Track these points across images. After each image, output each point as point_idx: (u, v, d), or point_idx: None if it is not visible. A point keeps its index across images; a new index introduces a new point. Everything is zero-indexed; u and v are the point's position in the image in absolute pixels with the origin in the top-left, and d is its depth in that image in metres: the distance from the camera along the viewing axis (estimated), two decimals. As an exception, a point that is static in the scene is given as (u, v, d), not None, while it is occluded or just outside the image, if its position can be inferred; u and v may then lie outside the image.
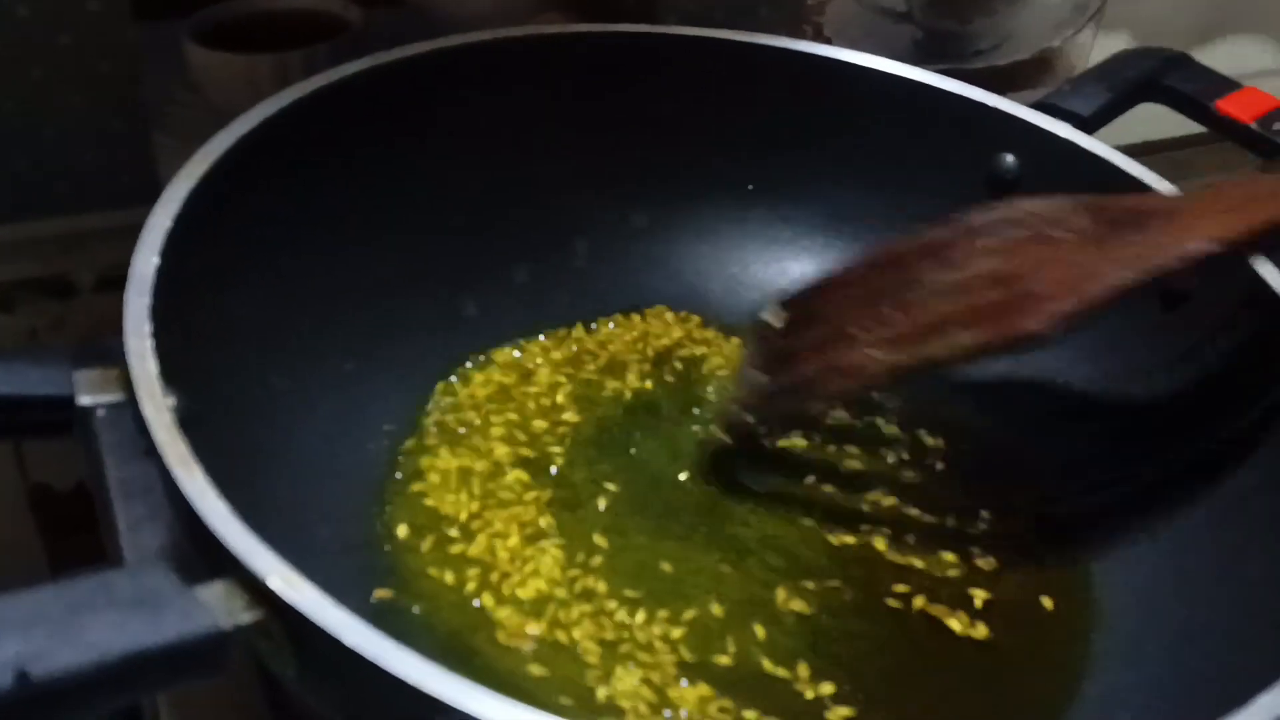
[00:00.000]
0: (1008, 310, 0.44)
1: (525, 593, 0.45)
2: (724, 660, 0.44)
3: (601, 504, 0.49)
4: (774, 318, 0.51)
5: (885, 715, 0.43)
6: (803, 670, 0.44)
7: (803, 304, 0.51)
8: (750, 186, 0.61)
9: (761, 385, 0.50)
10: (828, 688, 0.43)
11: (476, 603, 0.44)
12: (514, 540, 0.47)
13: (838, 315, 0.48)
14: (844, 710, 0.43)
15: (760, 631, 0.45)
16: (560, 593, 0.45)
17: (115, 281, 0.63)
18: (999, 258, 0.45)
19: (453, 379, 0.54)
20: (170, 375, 0.36)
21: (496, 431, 0.52)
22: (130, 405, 0.36)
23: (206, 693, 0.44)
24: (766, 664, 0.44)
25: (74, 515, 0.68)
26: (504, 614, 0.44)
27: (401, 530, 0.47)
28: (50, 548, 0.69)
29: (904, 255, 0.48)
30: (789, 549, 0.48)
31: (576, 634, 0.44)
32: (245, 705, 0.43)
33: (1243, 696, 0.33)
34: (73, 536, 0.68)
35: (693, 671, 0.43)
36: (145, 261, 0.39)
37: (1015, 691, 0.44)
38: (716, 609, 0.45)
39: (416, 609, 0.44)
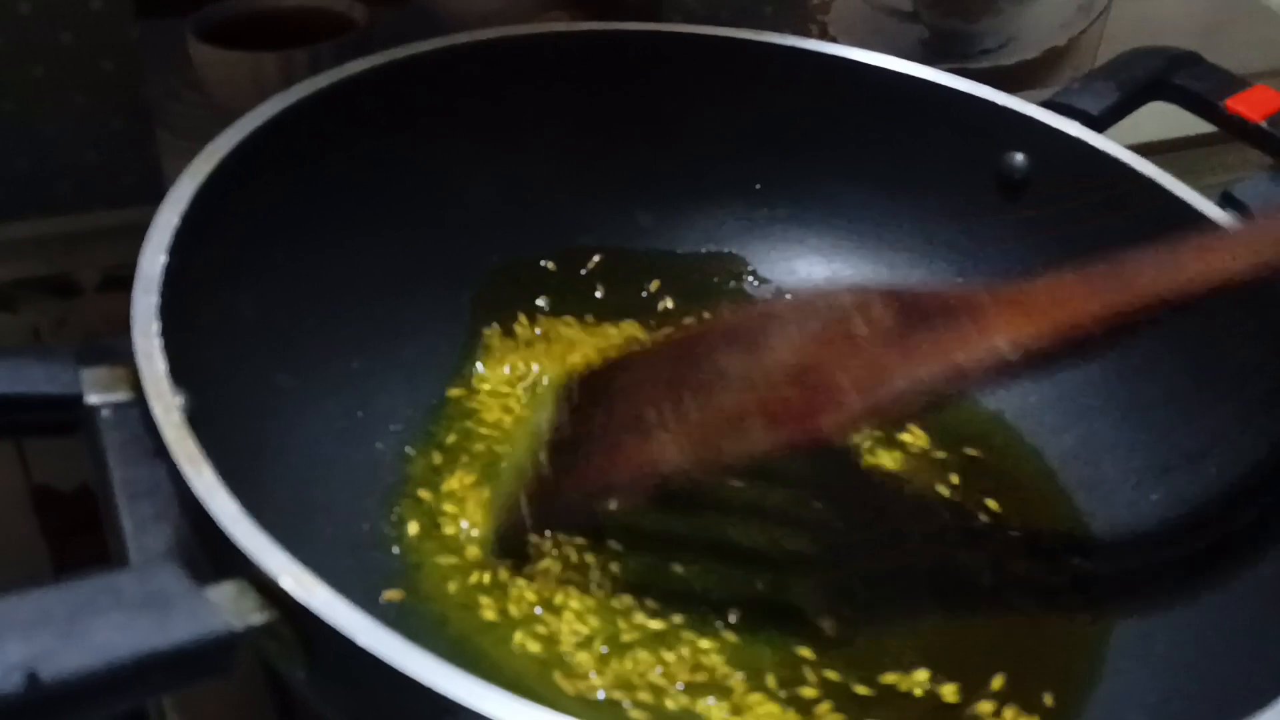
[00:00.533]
0: (802, 408, 0.42)
1: (565, 630, 0.44)
2: (810, 692, 0.43)
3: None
4: (567, 399, 0.48)
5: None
6: (910, 681, 0.43)
7: (598, 384, 0.48)
8: (758, 185, 0.61)
9: (547, 474, 0.47)
10: (922, 674, 0.43)
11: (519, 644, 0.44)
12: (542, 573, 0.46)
13: (633, 399, 0.46)
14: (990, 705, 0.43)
15: (809, 652, 0.44)
16: (598, 623, 0.44)
17: (119, 280, 0.63)
18: (799, 349, 0.44)
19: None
20: (178, 374, 0.36)
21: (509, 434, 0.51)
22: (138, 404, 0.35)
23: (212, 693, 0.43)
24: (860, 687, 0.43)
25: (77, 516, 0.67)
26: (580, 658, 0.43)
27: (412, 528, 0.46)
28: (54, 549, 0.68)
29: (705, 338, 0.47)
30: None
31: (649, 694, 0.42)
32: (252, 706, 0.43)
33: (1257, 700, 0.33)
34: (76, 537, 0.67)
35: (796, 705, 0.42)
36: (153, 260, 0.39)
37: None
38: (749, 627, 0.45)
39: (426, 610, 0.44)
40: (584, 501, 0.45)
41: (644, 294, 0.59)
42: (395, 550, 0.46)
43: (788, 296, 0.49)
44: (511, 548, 0.46)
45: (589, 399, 0.47)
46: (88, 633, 0.27)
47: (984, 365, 0.41)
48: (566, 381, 0.49)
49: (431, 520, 0.47)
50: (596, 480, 0.45)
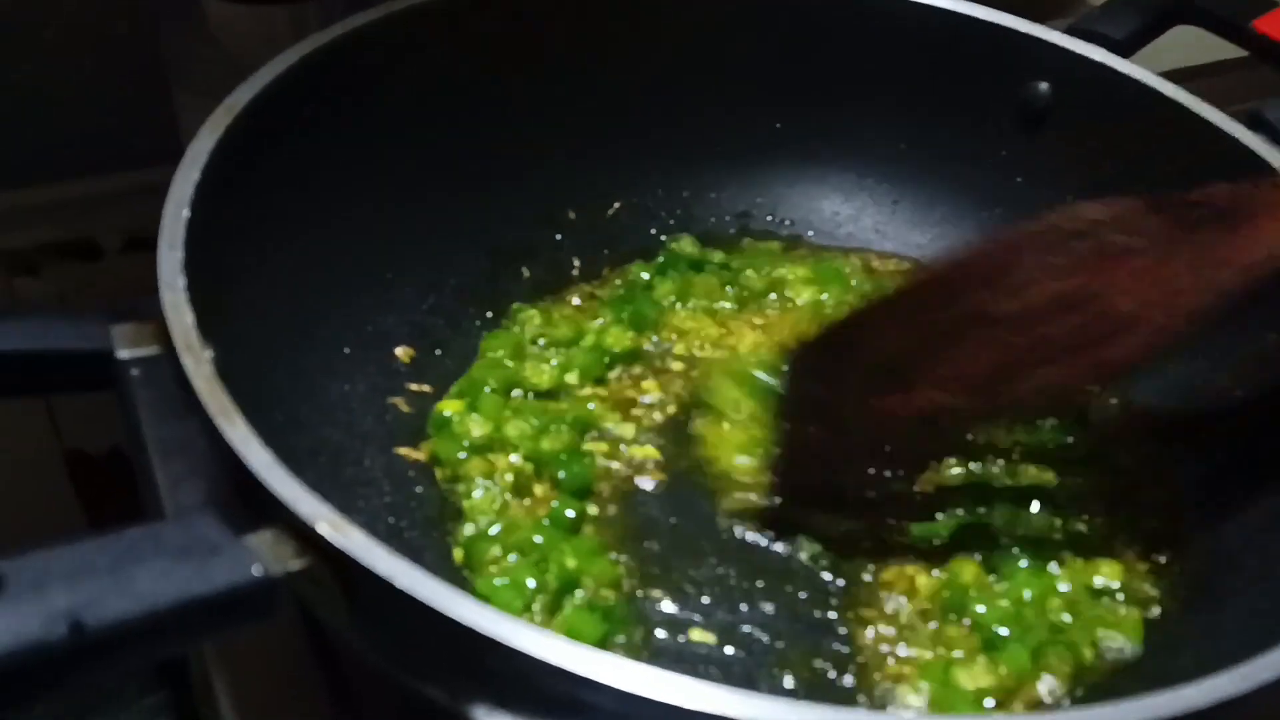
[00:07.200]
0: (1092, 339, 0.38)
1: None
2: None
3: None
4: (801, 364, 0.45)
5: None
6: None
7: (836, 345, 0.44)
8: (777, 125, 0.60)
9: (801, 449, 0.44)
10: None
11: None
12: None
13: (885, 356, 0.42)
14: None
15: None
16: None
17: (142, 242, 0.63)
18: (1066, 277, 0.39)
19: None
20: (205, 327, 0.36)
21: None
22: (168, 358, 0.36)
23: (251, 641, 0.44)
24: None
25: (110, 479, 0.68)
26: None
27: (441, 469, 0.47)
28: (89, 511, 0.69)
29: (951, 283, 0.42)
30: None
31: None
32: (291, 654, 0.43)
33: None
34: (110, 499, 0.68)
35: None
36: (175, 214, 0.39)
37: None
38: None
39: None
40: (850, 468, 0.44)
41: (663, 238, 0.59)
42: (421, 490, 0.46)
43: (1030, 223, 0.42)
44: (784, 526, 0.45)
45: (833, 356, 0.43)
46: (131, 581, 0.28)
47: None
48: (798, 345, 0.46)
49: (457, 458, 0.47)
50: (868, 443, 0.42)
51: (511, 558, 0.43)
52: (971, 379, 0.40)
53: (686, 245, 0.58)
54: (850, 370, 0.42)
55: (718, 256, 0.58)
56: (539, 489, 0.46)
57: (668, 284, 0.56)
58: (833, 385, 0.43)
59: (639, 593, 0.43)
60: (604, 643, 0.41)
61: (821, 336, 0.44)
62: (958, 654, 0.42)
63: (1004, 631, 0.42)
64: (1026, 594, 0.43)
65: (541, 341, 0.52)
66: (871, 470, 0.44)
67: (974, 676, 0.41)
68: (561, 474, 0.46)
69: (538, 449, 0.47)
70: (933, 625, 0.43)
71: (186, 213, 0.39)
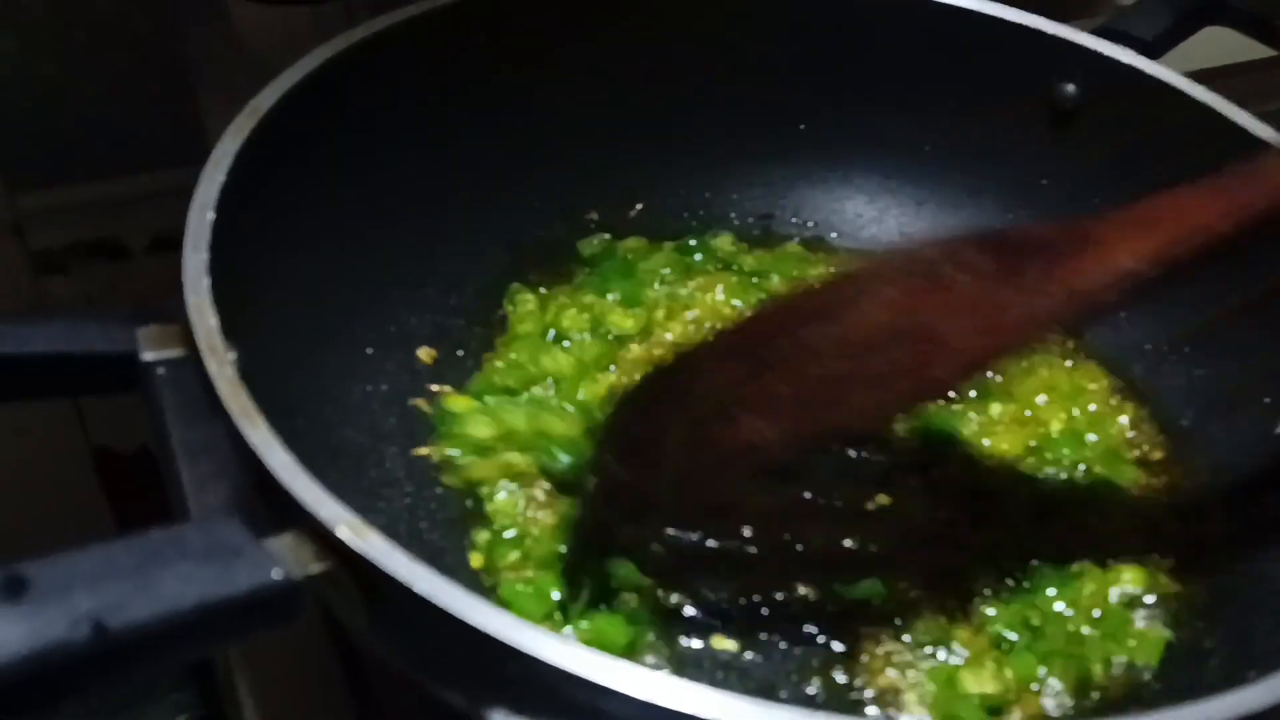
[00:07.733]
0: (911, 364, 0.39)
1: None
2: None
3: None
4: (634, 400, 0.44)
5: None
6: None
7: (667, 380, 0.44)
8: (801, 126, 0.60)
9: (624, 480, 0.42)
10: None
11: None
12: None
13: (711, 388, 0.41)
14: None
15: None
16: None
17: (168, 243, 0.64)
18: (895, 309, 0.40)
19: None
20: (228, 330, 0.36)
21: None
22: (192, 360, 0.36)
23: (277, 646, 0.44)
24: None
25: (138, 477, 0.68)
26: None
27: (455, 471, 0.47)
28: (116, 510, 0.70)
29: (784, 320, 0.42)
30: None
31: None
32: (313, 655, 0.43)
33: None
34: (137, 498, 0.69)
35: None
36: (200, 217, 0.39)
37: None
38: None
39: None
40: (675, 498, 0.42)
41: (689, 241, 0.59)
42: (439, 490, 0.46)
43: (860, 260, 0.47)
44: (593, 554, 0.44)
45: (659, 396, 0.44)
46: (154, 584, 0.28)
47: (1112, 286, 0.39)
48: (630, 384, 0.46)
49: (463, 458, 0.47)
50: (686, 473, 0.41)
51: (532, 562, 0.43)
52: (793, 404, 0.40)
53: (725, 243, 0.58)
54: (674, 409, 0.42)
55: (750, 259, 0.58)
56: (558, 492, 0.46)
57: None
58: (655, 424, 0.42)
59: (661, 598, 0.43)
60: (631, 647, 0.41)
61: (649, 377, 0.45)
62: (966, 657, 0.42)
63: (1013, 636, 0.42)
64: (1043, 596, 0.43)
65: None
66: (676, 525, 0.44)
67: (980, 681, 0.41)
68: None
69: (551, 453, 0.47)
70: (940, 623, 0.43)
71: (211, 215, 0.39)
